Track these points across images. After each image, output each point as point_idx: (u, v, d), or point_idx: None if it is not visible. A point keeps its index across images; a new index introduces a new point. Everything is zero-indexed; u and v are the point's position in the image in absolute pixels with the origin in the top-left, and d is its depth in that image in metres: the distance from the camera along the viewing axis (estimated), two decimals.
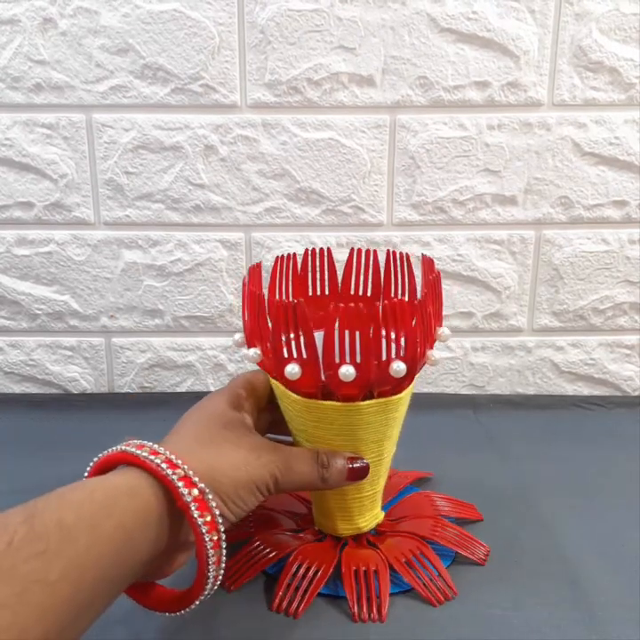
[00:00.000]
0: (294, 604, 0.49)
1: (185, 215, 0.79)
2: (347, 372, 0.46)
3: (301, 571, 0.51)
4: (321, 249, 0.58)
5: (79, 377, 0.85)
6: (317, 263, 0.58)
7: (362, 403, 0.48)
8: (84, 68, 0.75)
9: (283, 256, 0.56)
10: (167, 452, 0.41)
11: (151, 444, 0.42)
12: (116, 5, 0.73)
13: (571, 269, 0.81)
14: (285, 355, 0.47)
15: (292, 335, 0.47)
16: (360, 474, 0.49)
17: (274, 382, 0.51)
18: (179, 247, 0.80)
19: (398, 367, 0.47)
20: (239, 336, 0.53)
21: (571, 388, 0.86)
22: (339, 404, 0.48)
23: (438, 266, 0.80)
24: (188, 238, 0.80)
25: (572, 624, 0.48)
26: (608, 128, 0.76)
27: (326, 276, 0.59)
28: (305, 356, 0.47)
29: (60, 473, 0.68)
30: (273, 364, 0.49)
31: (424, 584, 0.51)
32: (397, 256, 0.57)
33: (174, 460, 0.40)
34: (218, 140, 0.77)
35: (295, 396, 0.49)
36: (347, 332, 0.46)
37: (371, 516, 0.55)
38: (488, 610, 0.50)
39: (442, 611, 0.50)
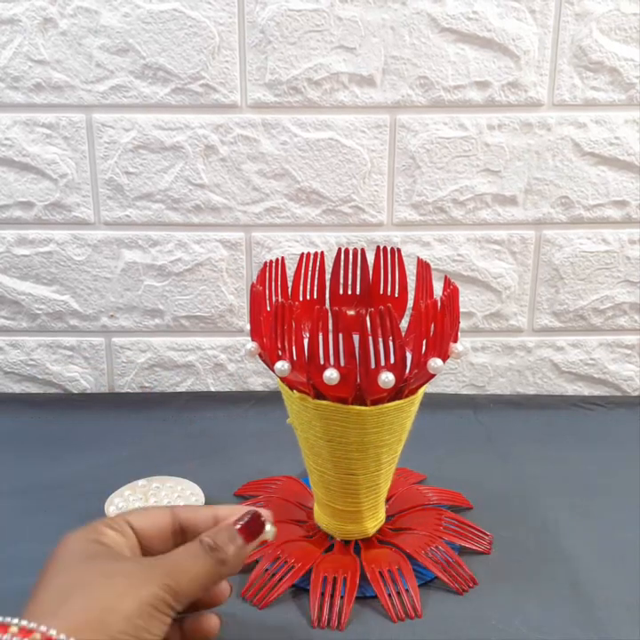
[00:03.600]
0: (335, 618, 0.49)
1: (185, 215, 0.79)
2: (386, 378, 0.46)
3: (329, 583, 0.51)
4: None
5: (79, 377, 0.85)
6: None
7: (389, 403, 0.49)
8: (84, 67, 0.75)
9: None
10: (22, 622, 0.34)
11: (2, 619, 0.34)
12: (116, 5, 0.73)
13: (571, 269, 0.81)
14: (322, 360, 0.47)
15: (321, 340, 0.46)
16: (254, 527, 0.42)
17: (295, 396, 0.50)
18: (179, 247, 0.80)
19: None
20: (252, 345, 0.52)
21: (571, 388, 0.86)
22: (367, 408, 0.48)
23: (438, 266, 0.80)
24: (188, 238, 0.80)
25: (572, 624, 0.49)
26: (608, 128, 0.76)
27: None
28: (342, 362, 0.46)
29: (60, 473, 0.68)
30: (309, 369, 0.47)
31: (446, 572, 0.52)
32: (388, 252, 0.57)
33: (28, 626, 0.34)
34: (218, 139, 0.77)
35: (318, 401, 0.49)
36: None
37: (377, 520, 0.56)
38: (489, 610, 0.50)
39: (443, 610, 0.50)
